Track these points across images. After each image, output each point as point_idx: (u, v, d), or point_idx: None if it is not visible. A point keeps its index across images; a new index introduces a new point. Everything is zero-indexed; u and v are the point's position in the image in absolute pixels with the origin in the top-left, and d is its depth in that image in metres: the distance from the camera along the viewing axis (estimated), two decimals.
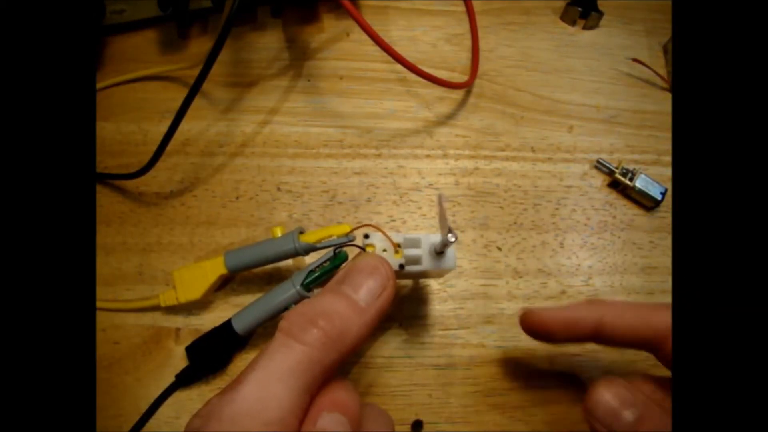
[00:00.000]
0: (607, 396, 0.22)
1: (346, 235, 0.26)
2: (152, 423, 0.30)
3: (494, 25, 0.40)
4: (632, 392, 0.22)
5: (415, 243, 0.25)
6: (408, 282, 0.33)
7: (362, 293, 0.22)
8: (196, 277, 0.29)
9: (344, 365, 0.22)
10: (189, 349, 0.30)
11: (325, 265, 0.26)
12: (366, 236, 0.24)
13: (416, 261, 0.25)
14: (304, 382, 0.19)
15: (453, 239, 0.22)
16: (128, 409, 0.30)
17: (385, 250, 0.25)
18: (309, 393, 0.20)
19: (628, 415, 0.22)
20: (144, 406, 0.30)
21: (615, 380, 0.23)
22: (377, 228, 0.25)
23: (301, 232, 0.27)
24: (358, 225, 0.26)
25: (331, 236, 0.27)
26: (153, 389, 0.30)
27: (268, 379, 0.19)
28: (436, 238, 0.25)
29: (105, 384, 0.30)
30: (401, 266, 0.25)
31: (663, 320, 0.24)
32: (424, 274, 0.28)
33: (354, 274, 0.22)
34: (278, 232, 0.28)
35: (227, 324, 0.28)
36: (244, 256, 0.28)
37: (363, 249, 0.25)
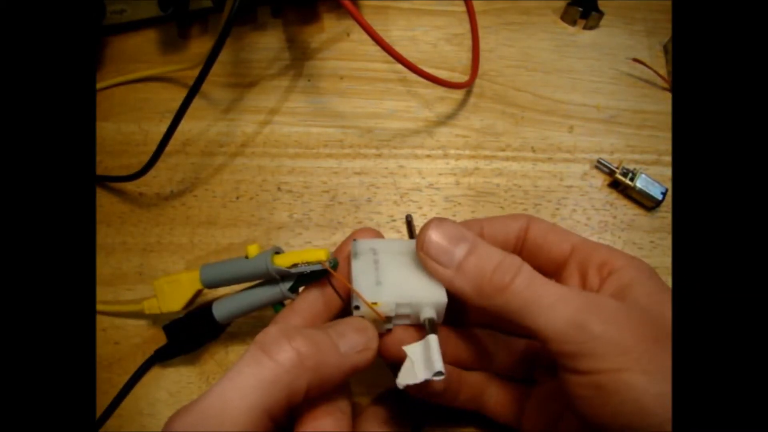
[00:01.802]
0: (435, 236, 0.23)
1: (321, 262, 0.25)
2: (153, 424, 0.30)
3: (495, 25, 0.40)
4: (460, 230, 0.23)
5: (407, 305, 0.24)
6: None
7: (345, 342, 0.22)
8: (175, 289, 0.29)
9: (335, 388, 0.22)
10: (166, 328, 0.30)
11: (315, 270, 0.25)
12: (357, 307, 0.24)
13: (405, 317, 0.24)
14: (266, 402, 0.19)
15: (440, 378, 0.22)
16: (128, 408, 0.30)
17: (375, 320, 0.24)
18: (270, 415, 0.19)
19: (459, 250, 0.23)
20: (144, 407, 0.30)
21: (444, 220, 0.24)
22: (363, 300, 0.23)
23: (277, 252, 0.26)
24: (355, 234, 0.26)
25: (305, 261, 0.25)
26: (153, 389, 0.30)
27: (231, 393, 0.19)
28: (430, 301, 0.24)
29: (105, 384, 0.30)
30: (388, 330, 0.25)
31: (521, 219, 0.27)
32: None
33: (341, 325, 0.23)
34: (253, 251, 0.26)
35: (208, 309, 0.28)
36: (220, 274, 0.28)
37: (357, 296, 0.24)
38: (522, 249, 0.27)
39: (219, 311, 0.28)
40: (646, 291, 0.22)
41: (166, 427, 0.19)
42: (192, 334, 0.30)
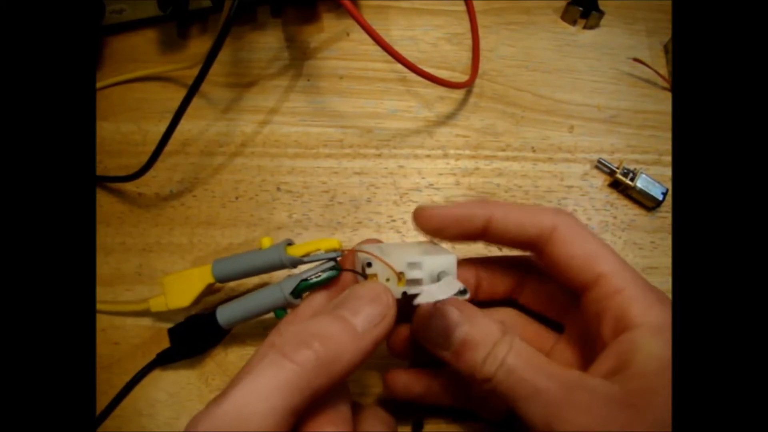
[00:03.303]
0: (434, 323, 0.23)
1: (335, 250, 0.25)
2: (152, 425, 0.30)
3: (495, 25, 0.40)
4: (459, 308, 0.23)
5: (418, 266, 0.24)
6: None
7: (360, 319, 0.21)
8: (185, 284, 0.29)
9: (335, 390, 0.22)
10: (171, 331, 0.30)
11: (319, 275, 0.25)
12: (369, 264, 0.23)
13: (418, 282, 0.24)
14: (289, 402, 0.19)
15: (467, 296, 0.22)
16: (128, 409, 0.30)
17: (388, 279, 0.24)
18: (294, 414, 0.19)
19: (457, 334, 0.23)
20: (143, 407, 0.30)
21: (442, 305, 0.23)
22: (375, 257, 0.24)
23: (290, 244, 0.27)
24: (355, 247, 0.26)
25: (318, 250, 0.26)
26: (152, 390, 0.30)
27: (253, 396, 0.19)
28: (440, 260, 0.24)
29: (104, 384, 0.30)
30: (404, 293, 0.24)
31: (548, 218, 0.24)
32: None
33: (354, 300, 0.22)
34: (266, 243, 0.27)
35: (211, 314, 0.28)
36: (232, 266, 0.28)
37: (363, 275, 0.24)
38: (541, 254, 0.25)
39: (223, 316, 0.28)
40: (649, 362, 0.21)
41: (189, 427, 0.19)
42: (195, 338, 0.30)
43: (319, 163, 0.35)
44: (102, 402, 0.29)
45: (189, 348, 0.30)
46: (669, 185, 0.35)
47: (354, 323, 0.21)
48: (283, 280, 0.27)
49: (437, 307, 0.23)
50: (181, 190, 0.34)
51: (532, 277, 0.28)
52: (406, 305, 0.24)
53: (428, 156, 0.36)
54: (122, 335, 0.31)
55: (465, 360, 0.23)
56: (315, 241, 0.26)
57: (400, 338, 0.27)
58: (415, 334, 0.25)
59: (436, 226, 0.25)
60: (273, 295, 0.26)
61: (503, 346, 0.22)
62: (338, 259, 0.26)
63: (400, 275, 0.24)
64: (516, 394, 0.21)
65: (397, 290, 0.24)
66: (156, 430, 0.30)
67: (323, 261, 0.26)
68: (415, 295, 0.24)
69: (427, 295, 0.22)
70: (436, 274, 0.24)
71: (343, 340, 0.21)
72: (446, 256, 0.24)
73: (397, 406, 0.30)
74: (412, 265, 0.24)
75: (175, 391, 0.30)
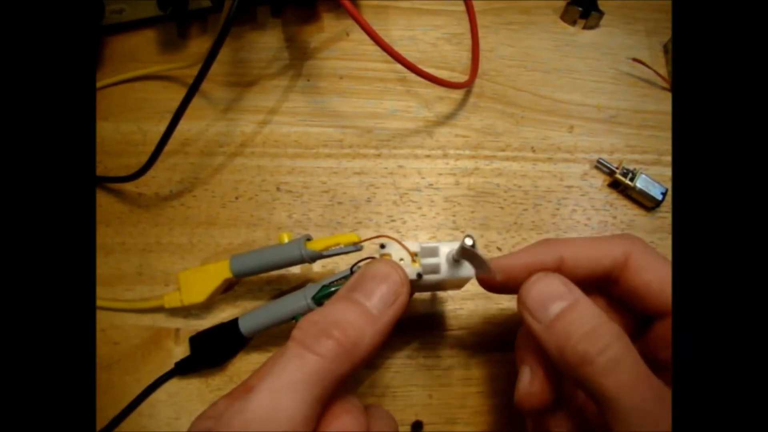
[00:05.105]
0: (536, 289, 0.22)
1: (354, 244, 0.26)
2: (152, 425, 0.30)
3: (494, 25, 0.40)
4: (566, 285, 0.22)
5: (432, 252, 0.24)
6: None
7: (375, 300, 0.21)
8: (201, 280, 0.29)
9: (356, 375, 0.22)
10: (192, 340, 0.30)
11: (341, 282, 0.26)
12: (382, 246, 0.24)
13: (434, 270, 0.24)
14: (316, 393, 0.19)
15: (470, 243, 0.22)
16: None
17: (402, 260, 0.24)
18: (321, 404, 0.20)
19: (555, 307, 0.22)
20: (144, 408, 0.30)
21: (549, 274, 0.23)
22: (391, 238, 0.24)
23: (309, 239, 0.27)
24: (372, 236, 0.26)
25: (338, 244, 0.26)
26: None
27: (281, 389, 0.19)
28: (452, 246, 0.24)
29: (105, 384, 0.30)
30: (419, 275, 0.24)
31: (620, 247, 0.24)
32: (441, 285, 0.27)
33: (366, 281, 0.22)
34: (285, 238, 0.28)
35: (233, 323, 0.28)
36: (250, 262, 0.28)
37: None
38: (617, 283, 0.24)
39: (245, 324, 0.28)
40: None
41: (218, 427, 0.19)
42: (216, 346, 0.30)
43: (318, 163, 0.35)
44: (102, 402, 0.29)
45: (209, 358, 0.30)
46: (669, 185, 0.35)
47: (369, 307, 0.21)
48: (306, 287, 0.27)
49: (540, 275, 0.23)
50: (181, 190, 0.34)
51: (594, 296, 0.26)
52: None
53: (428, 156, 0.36)
54: (122, 335, 0.31)
55: (558, 332, 0.21)
56: (334, 236, 0.26)
57: (540, 385, 0.23)
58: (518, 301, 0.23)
59: (505, 279, 0.24)
60: (296, 302, 0.26)
61: (607, 330, 0.21)
62: (361, 263, 0.25)
63: (414, 256, 0.24)
64: (619, 401, 0.19)
65: (412, 271, 0.24)
66: (156, 430, 0.30)
67: (340, 254, 0.26)
68: (430, 282, 0.24)
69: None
70: (452, 256, 0.24)
71: (361, 325, 0.21)
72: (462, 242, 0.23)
73: (396, 406, 0.30)
74: (427, 250, 0.24)
75: (175, 391, 0.30)
